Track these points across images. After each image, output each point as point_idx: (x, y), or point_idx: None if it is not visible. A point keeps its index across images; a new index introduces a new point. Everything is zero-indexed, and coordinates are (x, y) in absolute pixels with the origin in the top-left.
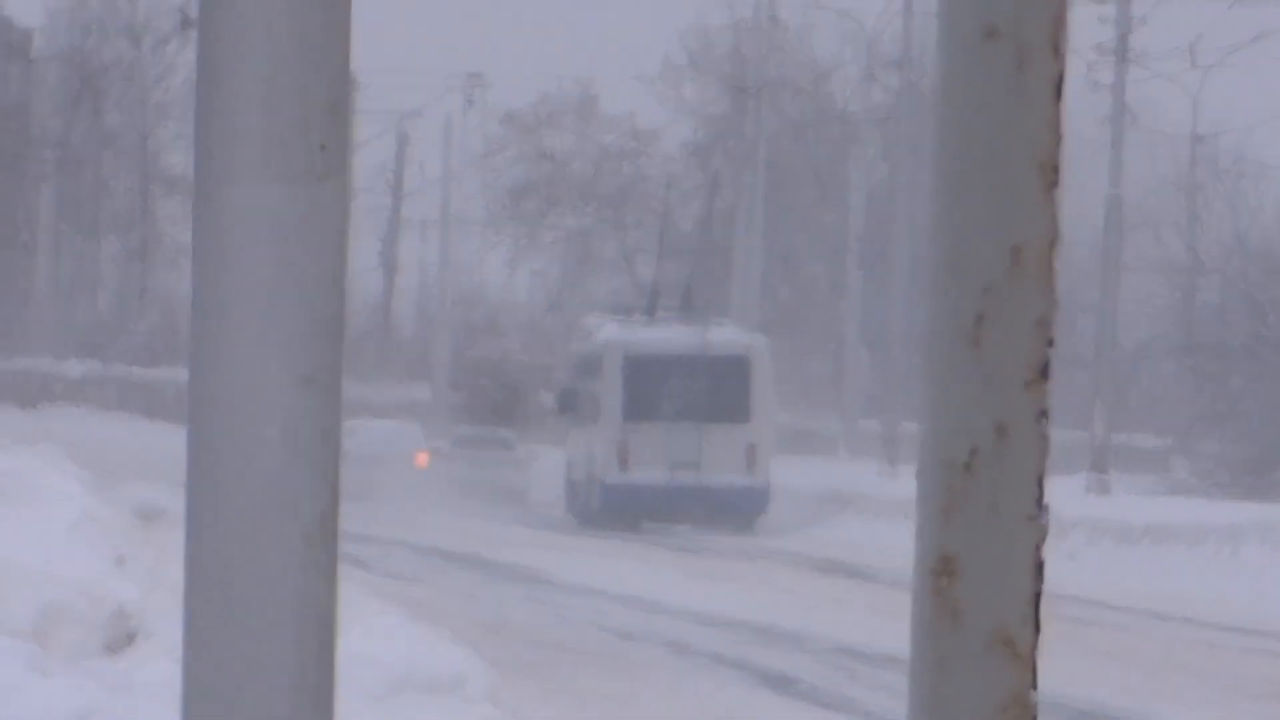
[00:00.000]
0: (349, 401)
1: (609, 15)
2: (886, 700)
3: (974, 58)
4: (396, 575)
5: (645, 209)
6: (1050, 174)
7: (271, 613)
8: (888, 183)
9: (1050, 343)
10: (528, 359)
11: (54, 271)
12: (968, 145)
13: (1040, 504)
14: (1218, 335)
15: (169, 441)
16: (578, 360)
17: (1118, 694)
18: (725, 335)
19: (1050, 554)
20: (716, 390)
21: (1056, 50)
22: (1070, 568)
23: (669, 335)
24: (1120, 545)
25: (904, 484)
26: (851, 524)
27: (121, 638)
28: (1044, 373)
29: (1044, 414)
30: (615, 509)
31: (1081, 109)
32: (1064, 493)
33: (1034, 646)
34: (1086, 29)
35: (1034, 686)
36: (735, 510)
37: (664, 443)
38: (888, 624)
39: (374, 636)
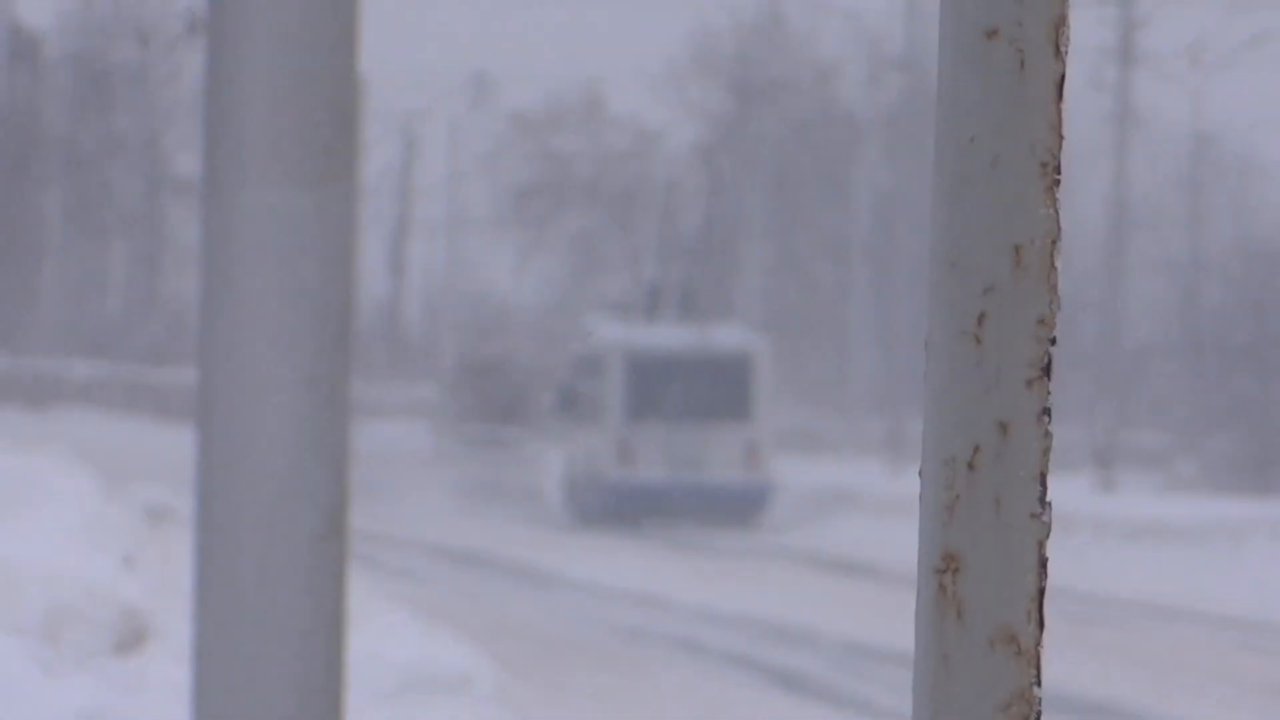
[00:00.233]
0: (356, 402)
1: (615, 16)
2: (897, 698)
3: (974, 58)
4: (405, 574)
5: (651, 210)
6: (1051, 174)
7: (281, 612)
8: (892, 183)
9: (1052, 341)
10: (534, 359)
11: (63, 273)
12: (968, 145)
13: (1043, 502)
14: (1221, 334)
15: (178, 442)
16: (578, 360)
17: (1123, 691)
18: (726, 335)
19: (1055, 552)
20: (717, 390)
21: (1057, 50)
22: (1075, 565)
23: (670, 336)
24: (1125, 543)
25: (908, 482)
26: (857, 522)
27: (130, 637)
28: (1046, 371)
29: (1046, 412)
30: (617, 507)
31: (1085, 109)
32: (1069, 491)
33: (1037, 643)
34: (1090, 30)
35: (1037, 683)
36: (737, 508)
37: (666, 442)
38: (895, 621)
39: (381, 635)
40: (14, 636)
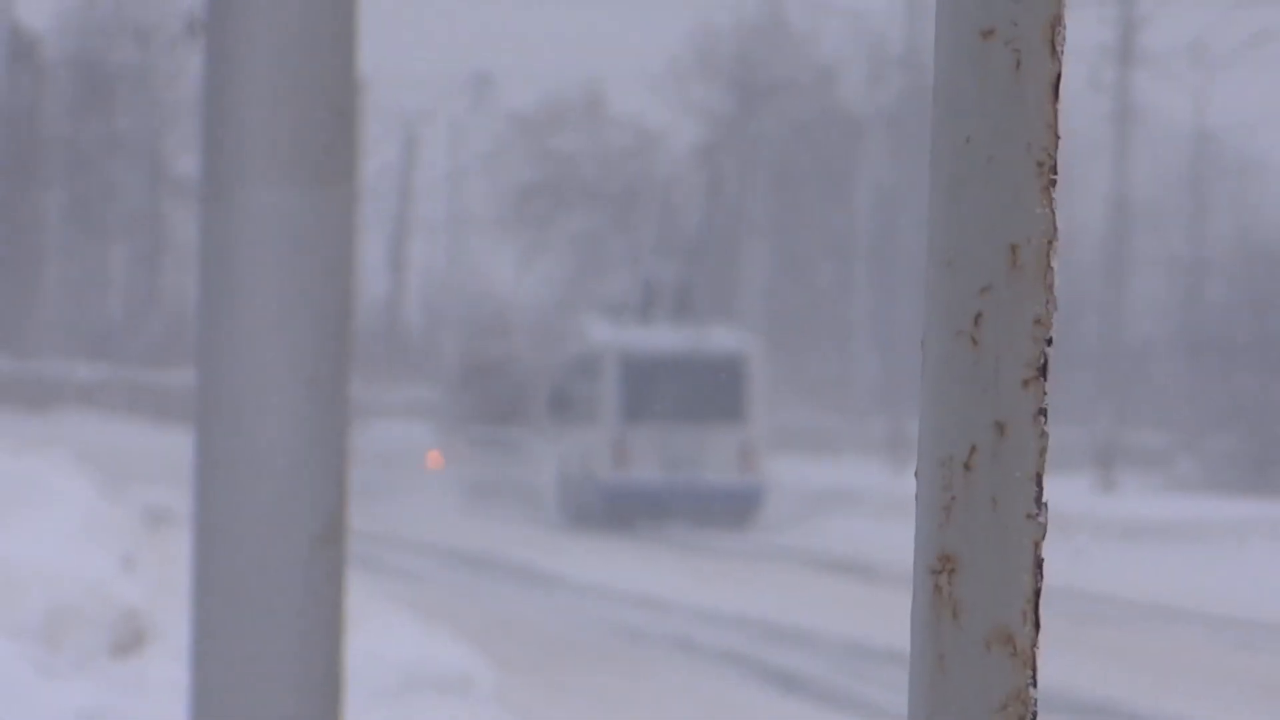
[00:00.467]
0: (357, 402)
1: (616, 16)
2: (896, 698)
3: (970, 58)
4: (405, 574)
5: (653, 209)
6: (1047, 173)
7: (279, 613)
8: (894, 183)
9: (1048, 341)
10: (535, 359)
11: (63, 275)
12: (965, 145)
13: (1039, 502)
14: (1222, 333)
15: (178, 444)
16: (572, 361)
17: (1124, 691)
18: (720, 336)
19: (1056, 552)
20: (712, 390)
21: (1053, 50)
22: (1076, 565)
23: (664, 336)
24: (1126, 543)
25: (909, 483)
26: (857, 523)
27: (130, 639)
28: (1042, 371)
29: (1042, 412)
30: (612, 508)
31: (1086, 108)
32: (1070, 491)
33: (1033, 644)
34: (1090, 29)
35: (1033, 684)
36: (731, 509)
37: (660, 442)
38: (894, 622)
39: (381, 635)
40: (13, 637)
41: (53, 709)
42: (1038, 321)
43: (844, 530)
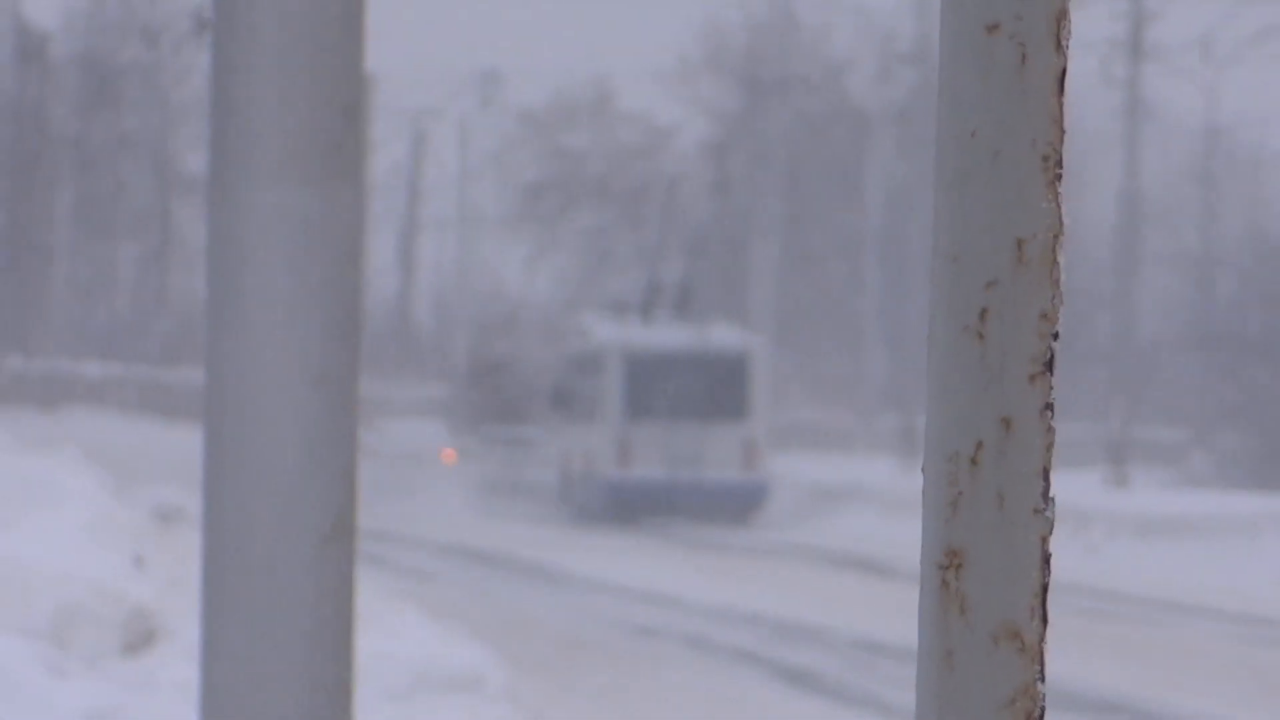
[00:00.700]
0: (369, 401)
1: (625, 12)
2: (906, 694)
3: (975, 52)
4: (417, 573)
5: (662, 207)
6: (1053, 168)
7: (289, 612)
8: (904, 178)
9: (1055, 336)
10: (545, 357)
11: (72, 274)
12: (970, 139)
13: (1047, 497)
14: (1234, 328)
15: (188, 442)
16: (574, 358)
17: (1137, 687)
18: (722, 334)
19: (1069, 548)
20: (714, 388)
21: (1058, 44)
22: (1089, 561)
23: (667, 334)
24: (1139, 538)
25: (918, 479)
26: (866, 518)
27: (140, 638)
28: (1049, 366)
29: (1049, 407)
30: (616, 505)
31: (1096, 103)
32: (1082, 487)
33: (1041, 639)
34: (1100, 23)
35: (1041, 679)
36: (733, 506)
37: (664, 440)
38: (905, 618)
39: (392, 634)
40: (23, 637)
41: (62, 708)
42: (1044, 316)
43: (854, 526)
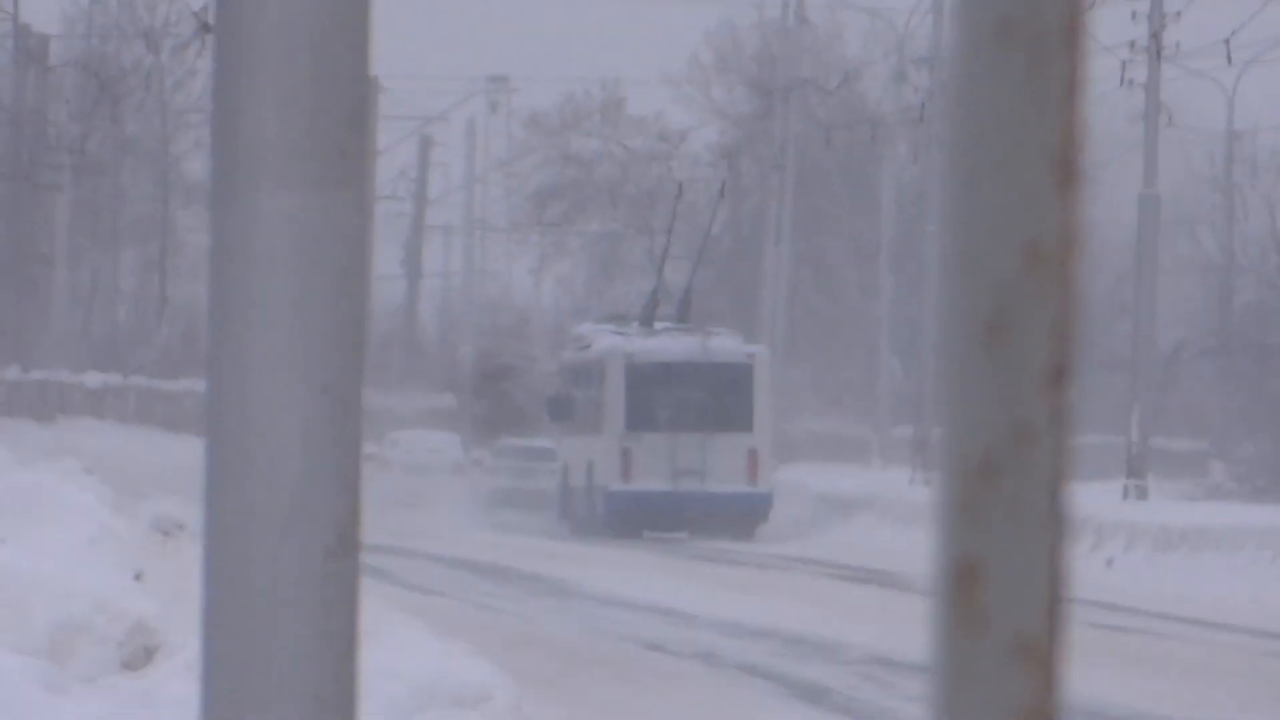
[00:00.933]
0: (377, 412)
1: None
2: (922, 711)
3: (988, 54)
4: (421, 587)
5: (677, 213)
6: (1066, 171)
7: (291, 627)
8: (919, 184)
9: (1071, 343)
10: (554, 366)
11: (72, 282)
12: (982, 142)
13: (1063, 507)
14: (1255, 336)
15: (189, 454)
16: (575, 368)
17: (1157, 701)
18: (725, 344)
19: (1088, 560)
20: (718, 399)
21: (1073, 46)
22: (1108, 573)
23: (670, 344)
24: (1158, 550)
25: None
26: (881, 530)
27: (140, 654)
28: (1064, 373)
29: (1065, 415)
30: (619, 517)
31: (1115, 107)
32: (1101, 498)
33: (1057, 653)
34: (1120, 26)
35: (1058, 694)
36: (737, 518)
37: (667, 451)
38: (918, 631)
39: (397, 650)
40: (21, 653)
41: None
42: (1058, 322)
43: (866, 538)
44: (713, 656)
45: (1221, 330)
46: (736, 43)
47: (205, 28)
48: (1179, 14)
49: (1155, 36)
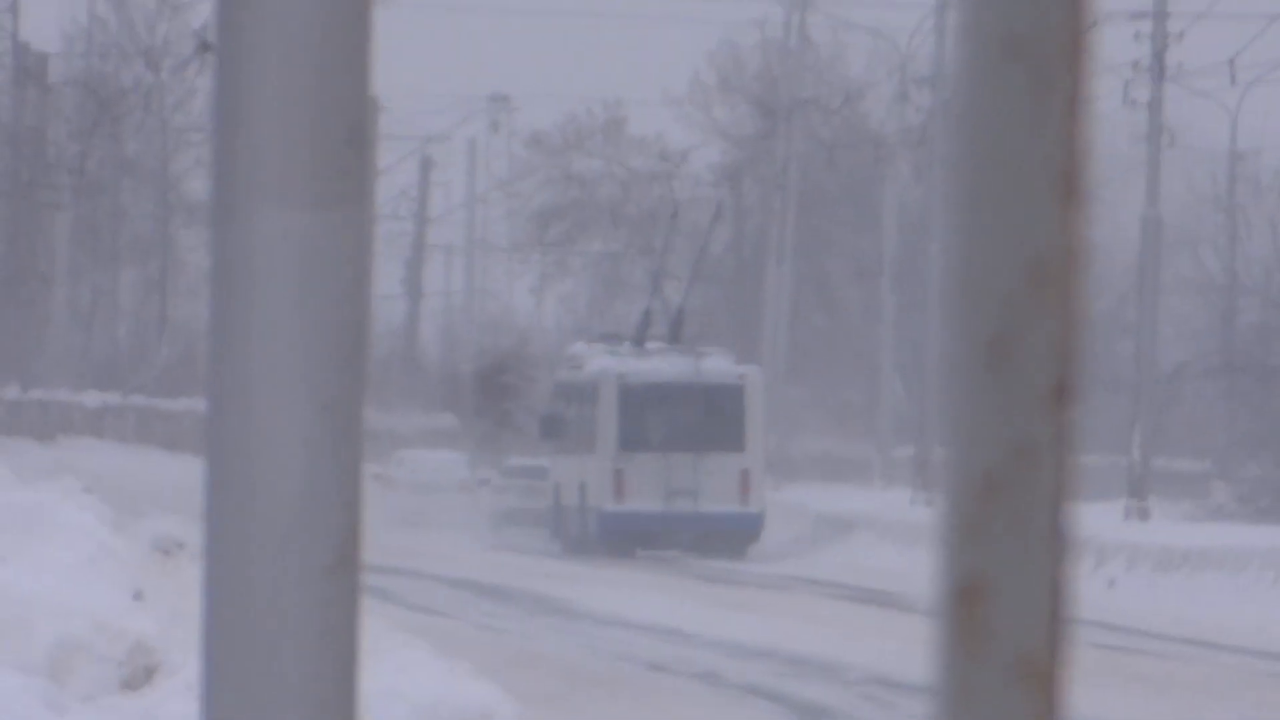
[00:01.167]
0: (381, 432)
1: (637, 36)
2: None
3: (991, 73)
4: (424, 608)
5: (675, 232)
6: (1069, 190)
7: (292, 647)
8: (921, 204)
9: (1074, 362)
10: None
11: (72, 301)
12: (985, 161)
13: (1065, 526)
14: (1258, 356)
15: (189, 473)
16: (567, 388)
17: None
18: (718, 365)
19: (1090, 580)
20: (711, 419)
21: (1076, 65)
22: (1110, 594)
23: (662, 365)
24: (1160, 571)
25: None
26: (882, 550)
27: (140, 674)
28: (1067, 392)
29: (1067, 434)
30: (611, 537)
31: (1118, 127)
32: (1103, 519)
33: (1059, 673)
34: (1123, 45)
35: (1059, 714)
36: (730, 538)
37: (659, 472)
38: (919, 652)
39: (400, 670)
40: (21, 673)
41: None
42: (1061, 341)
43: (866, 558)
44: (714, 676)
45: (1224, 350)
46: (738, 62)
47: (205, 46)
48: (1182, 34)
49: (1158, 56)
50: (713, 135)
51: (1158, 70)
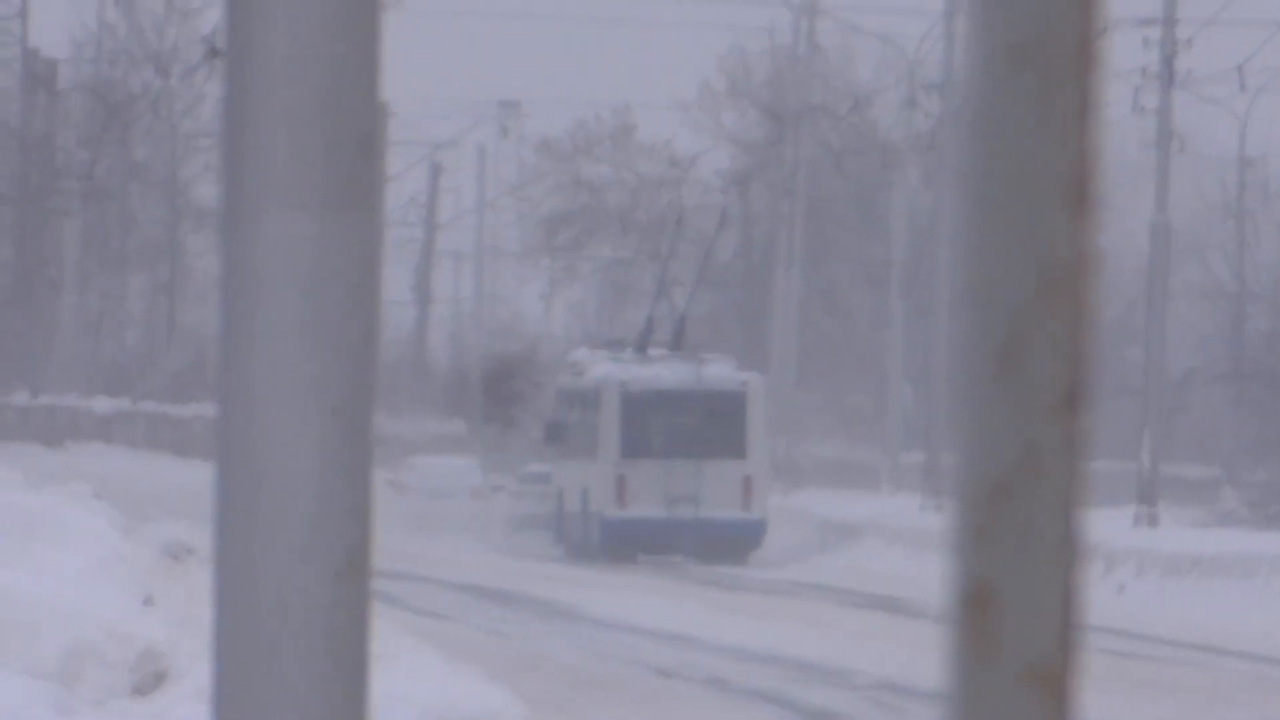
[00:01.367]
0: (386, 437)
1: (645, 41)
2: None
3: (1002, 79)
4: (432, 613)
5: (683, 238)
6: (1079, 196)
7: (302, 652)
8: (930, 210)
9: (1084, 368)
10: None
11: (81, 306)
12: (995, 168)
13: (1076, 532)
14: (1267, 363)
15: (198, 479)
16: (570, 394)
17: None
18: (719, 371)
19: (1099, 586)
20: (713, 426)
21: (1086, 72)
22: (1119, 600)
23: (665, 372)
24: (1169, 577)
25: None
26: (890, 556)
27: (150, 679)
28: (1078, 398)
29: (1078, 440)
30: (614, 543)
31: (1128, 133)
32: (1112, 525)
33: (1070, 678)
34: (1132, 52)
35: (1070, 719)
36: (732, 544)
37: (662, 478)
38: (929, 657)
39: (409, 675)
40: (31, 677)
41: None
42: (1071, 347)
43: (874, 564)
44: (721, 681)
45: (1233, 357)
46: (747, 68)
47: (214, 52)
48: (1191, 40)
49: (1167, 63)
50: (721, 141)
51: (1167, 77)
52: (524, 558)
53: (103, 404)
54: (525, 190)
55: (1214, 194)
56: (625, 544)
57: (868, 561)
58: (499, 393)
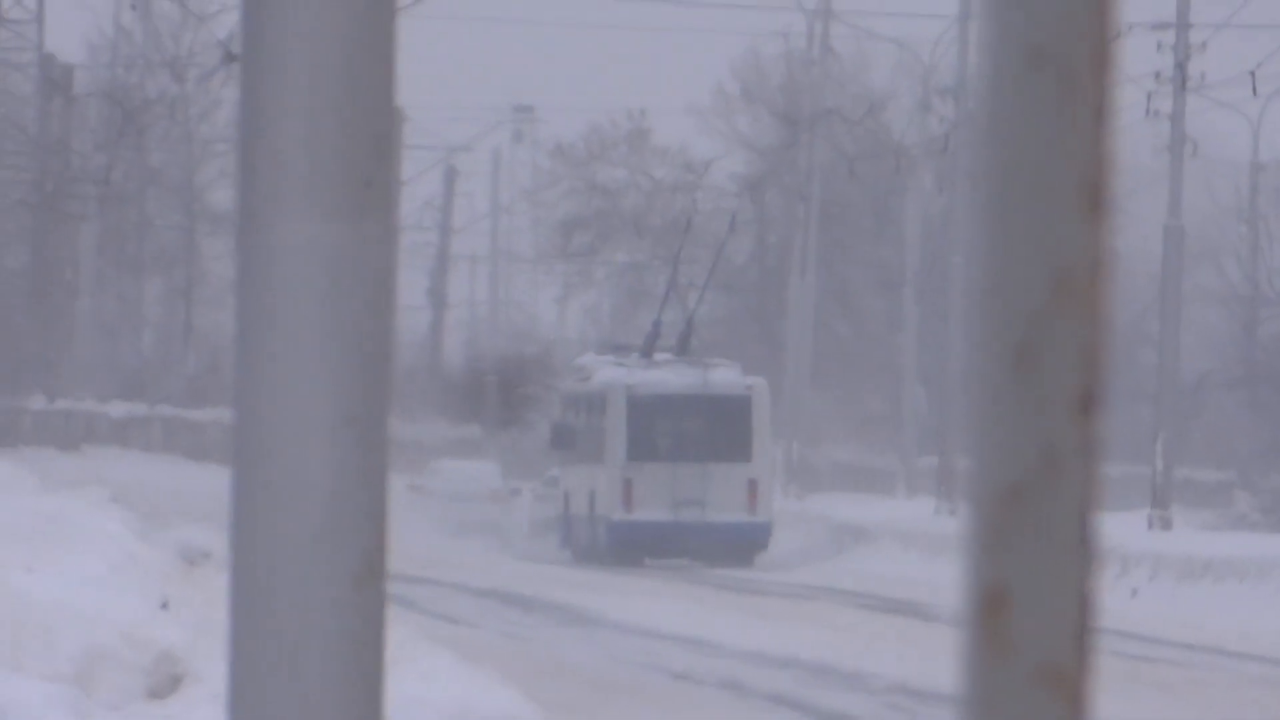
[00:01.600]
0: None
1: (660, 46)
2: None
3: (1017, 83)
4: (447, 617)
5: (698, 242)
6: (1095, 200)
7: (318, 655)
8: (944, 214)
9: (1100, 371)
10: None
11: (97, 311)
12: (1011, 171)
13: (1091, 535)
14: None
15: (214, 483)
16: (576, 398)
17: None
18: (725, 376)
19: (1113, 590)
20: (718, 430)
21: (1101, 75)
22: (1133, 603)
23: (670, 376)
24: (1183, 581)
25: (957, 520)
26: (905, 560)
27: (166, 682)
28: (1092, 402)
29: (1093, 444)
30: (620, 546)
31: (1141, 137)
32: (1126, 528)
33: (1084, 681)
34: (1145, 56)
35: None
36: (737, 548)
37: (668, 482)
38: (943, 661)
39: (425, 678)
40: (47, 680)
41: None
42: (1087, 350)
43: (889, 567)
44: (738, 685)
45: (1246, 361)
46: (762, 73)
47: (230, 57)
48: (1204, 45)
49: (1181, 67)
50: (736, 145)
51: (1180, 81)
52: (539, 561)
53: (119, 408)
54: (540, 195)
55: (1227, 198)
56: (631, 547)
57: (882, 565)
58: (513, 397)
